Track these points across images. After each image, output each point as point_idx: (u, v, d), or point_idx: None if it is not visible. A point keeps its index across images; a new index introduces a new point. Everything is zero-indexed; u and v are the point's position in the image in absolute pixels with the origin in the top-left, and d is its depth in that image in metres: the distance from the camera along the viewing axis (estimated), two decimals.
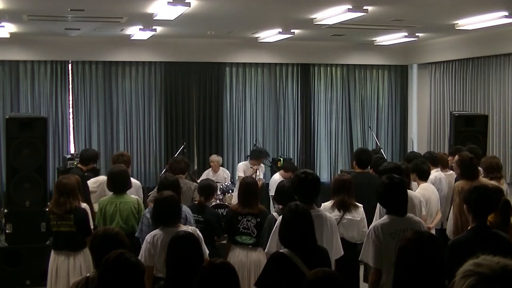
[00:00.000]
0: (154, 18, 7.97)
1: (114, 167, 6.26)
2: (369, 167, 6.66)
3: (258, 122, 11.83)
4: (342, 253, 4.66)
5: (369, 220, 5.33)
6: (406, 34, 10.10)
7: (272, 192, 8.15)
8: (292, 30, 9.67)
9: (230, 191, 8.95)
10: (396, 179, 4.49)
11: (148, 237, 4.67)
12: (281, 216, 4.22)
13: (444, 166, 7.33)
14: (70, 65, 10.99)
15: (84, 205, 5.73)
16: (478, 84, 10.36)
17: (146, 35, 9.90)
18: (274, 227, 4.51)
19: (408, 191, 4.99)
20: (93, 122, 11.08)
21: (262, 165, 9.67)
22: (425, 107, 11.95)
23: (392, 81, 12.46)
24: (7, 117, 7.98)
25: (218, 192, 8.11)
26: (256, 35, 10.45)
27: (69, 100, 11.01)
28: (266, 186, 9.71)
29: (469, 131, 8.65)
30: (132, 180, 6.40)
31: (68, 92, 10.99)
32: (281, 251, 3.86)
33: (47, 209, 5.98)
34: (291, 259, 3.72)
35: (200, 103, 11.49)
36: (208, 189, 6.10)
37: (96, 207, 6.16)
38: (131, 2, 7.31)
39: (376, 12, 7.71)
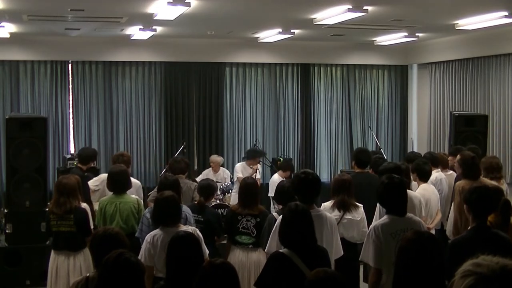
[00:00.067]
0: (154, 18, 7.97)
1: (114, 167, 6.26)
2: (368, 167, 6.66)
3: (258, 122, 11.83)
4: (342, 253, 4.66)
5: (369, 220, 5.33)
6: (406, 34, 10.10)
7: (271, 193, 8.16)
8: (292, 30, 9.67)
9: (230, 191, 8.96)
10: (396, 179, 4.49)
11: (148, 237, 4.67)
12: (281, 216, 4.22)
13: (444, 166, 7.33)
14: (70, 65, 10.99)
15: (84, 205, 5.73)
16: (478, 84, 10.36)
17: (146, 35, 9.90)
18: (274, 227, 4.51)
19: (408, 191, 5.00)
20: (93, 122, 11.08)
21: (259, 165, 9.68)
22: (425, 107, 11.95)
23: (392, 81, 12.46)
24: (7, 117, 7.98)
25: (218, 192, 8.11)
26: (256, 35, 10.45)
27: (69, 100, 11.01)
28: (264, 186, 9.72)
29: (469, 131, 8.65)
30: (132, 180, 6.40)
31: (68, 92, 10.99)
32: (280, 251, 3.86)
33: (47, 209, 5.98)
34: (291, 259, 3.72)
35: (200, 103, 11.49)
36: (208, 189, 6.10)
37: (96, 206, 6.17)
38: (131, 2, 7.31)
39: (376, 12, 7.71)
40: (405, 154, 10.84)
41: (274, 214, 5.16)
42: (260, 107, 11.85)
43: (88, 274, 3.73)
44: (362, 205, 5.47)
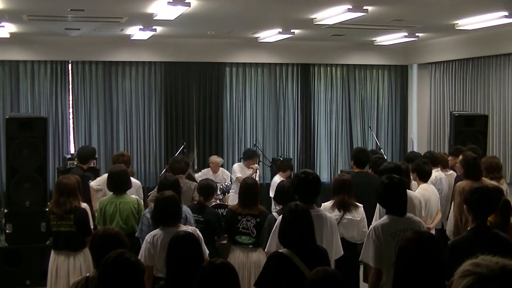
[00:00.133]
0: (154, 18, 7.97)
1: (114, 167, 6.26)
2: (367, 166, 6.66)
3: (258, 122, 11.82)
4: (342, 253, 4.66)
5: (369, 220, 5.33)
6: (406, 34, 10.10)
7: (272, 194, 8.15)
8: (292, 30, 9.67)
9: (230, 191, 8.95)
10: (396, 179, 4.49)
11: (148, 237, 4.67)
12: (281, 216, 4.22)
13: (444, 166, 7.33)
14: (70, 65, 10.99)
15: (84, 205, 5.73)
16: (478, 84, 10.35)
17: (146, 35, 9.90)
18: (274, 227, 4.52)
19: (408, 191, 5.00)
20: (93, 122, 11.07)
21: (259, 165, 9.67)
22: (425, 107, 11.94)
23: (392, 81, 12.46)
24: (7, 117, 7.99)
25: (218, 192, 8.11)
26: (256, 35, 10.45)
27: (69, 100, 11.00)
28: (264, 186, 9.71)
29: (469, 131, 8.65)
30: (132, 179, 6.40)
31: (68, 92, 10.99)
32: (280, 251, 3.86)
33: (47, 209, 5.99)
34: (291, 259, 3.72)
35: (200, 103, 11.49)
36: (208, 189, 6.10)
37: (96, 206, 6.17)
38: (131, 2, 7.31)
39: (376, 12, 7.71)
40: (405, 154, 10.83)
41: (274, 214, 5.16)
42: (260, 107, 11.85)
43: (88, 274, 3.73)
44: (362, 205, 5.47)
